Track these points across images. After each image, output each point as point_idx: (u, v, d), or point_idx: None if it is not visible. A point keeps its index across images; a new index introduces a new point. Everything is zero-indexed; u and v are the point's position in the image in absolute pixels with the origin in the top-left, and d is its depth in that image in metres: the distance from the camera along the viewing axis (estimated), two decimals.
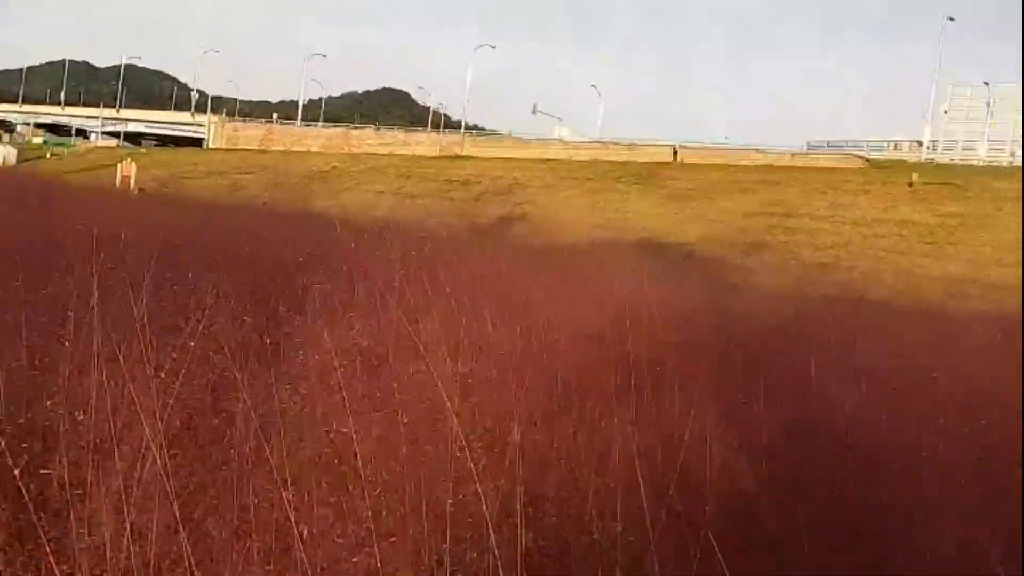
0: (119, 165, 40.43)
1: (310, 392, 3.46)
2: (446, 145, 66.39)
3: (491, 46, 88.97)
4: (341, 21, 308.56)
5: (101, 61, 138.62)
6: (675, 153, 55.56)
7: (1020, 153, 50.89)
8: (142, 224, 7.42)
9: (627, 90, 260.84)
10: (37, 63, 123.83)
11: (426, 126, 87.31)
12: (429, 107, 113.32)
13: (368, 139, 73.00)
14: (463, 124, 78.98)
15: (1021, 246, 23.70)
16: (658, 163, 53.21)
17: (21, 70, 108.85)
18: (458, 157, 62.62)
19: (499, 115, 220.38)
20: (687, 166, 52.45)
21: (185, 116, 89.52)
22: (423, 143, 68.75)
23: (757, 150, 54.57)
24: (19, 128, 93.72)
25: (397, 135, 74.76)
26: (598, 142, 63.94)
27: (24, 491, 2.44)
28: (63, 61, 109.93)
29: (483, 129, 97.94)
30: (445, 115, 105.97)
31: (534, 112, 75.67)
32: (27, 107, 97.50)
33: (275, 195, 46.68)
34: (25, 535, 2.42)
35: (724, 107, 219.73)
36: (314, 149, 70.88)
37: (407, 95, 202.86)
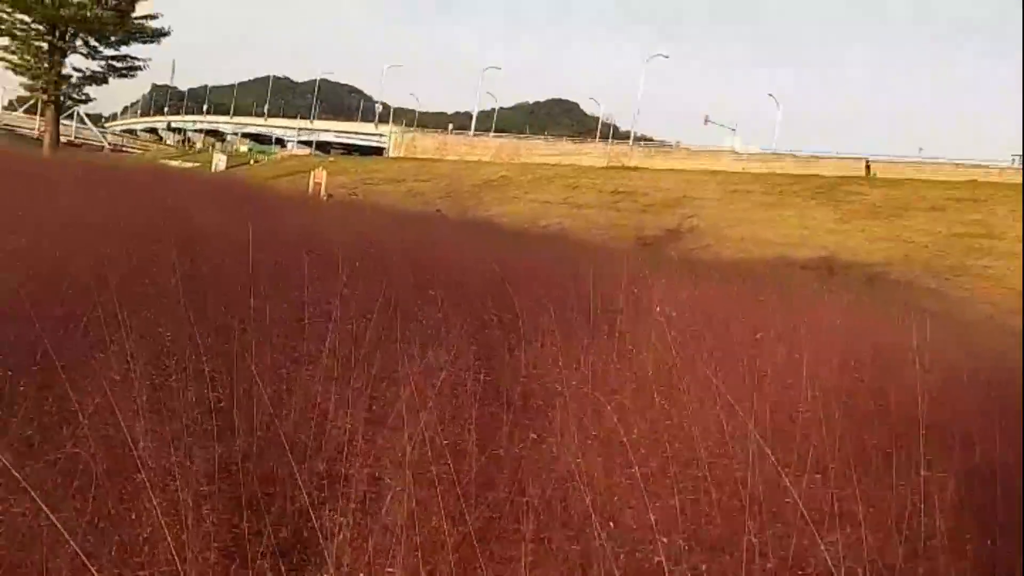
0: (312, 172, 43.85)
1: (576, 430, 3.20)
2: (614, 155, 66.13)
3: (664, 56, 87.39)
4: (516, 34, 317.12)
5: (299, 77, 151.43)
6: (867, 166, 51.61)
7: None
8: (348, 236, 7.84)
9: (808, 99, 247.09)
10: (247, 79, 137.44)
11: (594, 136, 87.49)
12: (598, 117, 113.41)
13: (537, 149, 74.30)
14: (632, 134, 78.32)
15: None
16: (843, 176, 49.87)
17: (233, 85, 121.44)
18: (626, 168, 62.18)
19: (669, 125, 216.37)
20: (876, 180, 48.74)
21: (369, 127, 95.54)
22: (591, 153, 68.94)
23: (956, 164, 49.67)
24: (229, 137, 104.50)
25: (565, 145, 75.49)
26: (774, 153, 61.05)
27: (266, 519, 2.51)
28: (268, 77, 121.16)
29: (652, 139, 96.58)
30: (613, 126, 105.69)
31: (706, 123, 73.58)
32: (237, 118, 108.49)
33: (448, 203, 48.60)
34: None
35: (920, 118, 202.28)
36: (485, 158, 73.14)
37: (576, 105, 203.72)
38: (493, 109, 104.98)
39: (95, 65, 21.18)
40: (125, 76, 22.08)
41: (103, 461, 2.21)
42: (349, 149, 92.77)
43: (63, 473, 2.25)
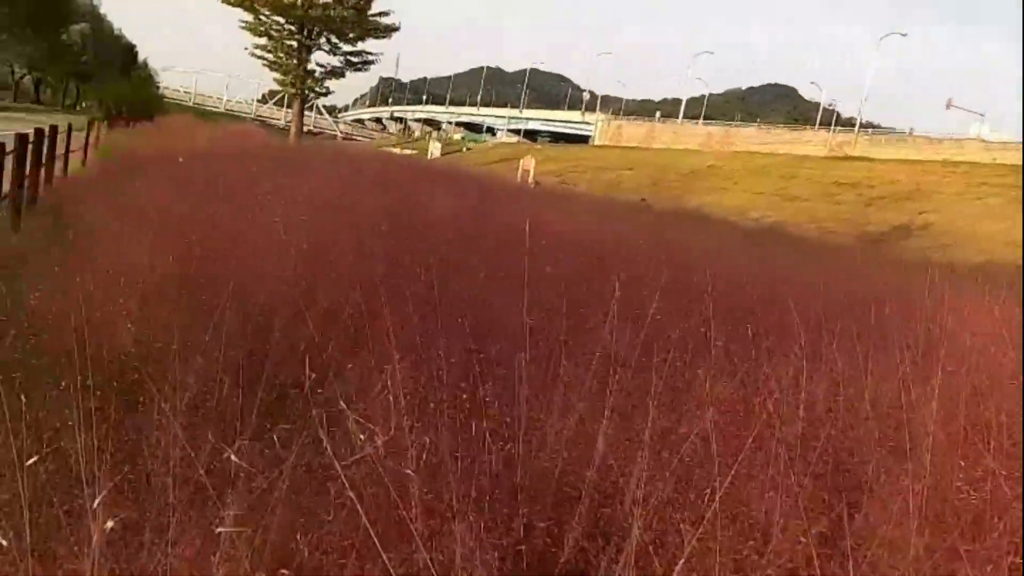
0: (520, 160, 44.86)
1: None
2: (836, 144, 61.24)
3: (901, 34, 79.21)
4: (730, 17, 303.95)
5: (510, 67, 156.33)
6: None
7: None
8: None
9: None
10: (463, 70, 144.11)
11: (813, 124, 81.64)
12: (818, 103, 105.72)
13: (750, 137, 70.72)
14: (858, 122, 71.95)
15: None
16: None
17: (450, 77, 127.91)
18: (849, 158, 57.37)
19: (901, 111, 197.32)
20: None
21: (576, 115, 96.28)
22: (810, 142, 64.38)
23: None
24: (444, 125, 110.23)
25: (781, 133, 71.13)
26: None
27: None
28: (481, 68, 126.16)
29: (880, 127, 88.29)
30: (836, 112, 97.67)
31: (948, 107, 65.65)
32: (451, 108, 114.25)
33: (653, 192, 47.73)
34: None
35: None
36: (693, 147, 70.92)
37: (794, 91, 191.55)
38: (703, 96, 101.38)
39: (335, 60, 23.13)
40: (360, 70, 23.87)
41: (362, 469, 2.16)
42: (556, 137, 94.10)
43: (320, 480, 2.24)
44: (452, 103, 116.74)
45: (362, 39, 21.84)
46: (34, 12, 49.07)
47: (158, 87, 73.21)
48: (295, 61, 22.44)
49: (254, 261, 4.42)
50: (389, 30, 21.94)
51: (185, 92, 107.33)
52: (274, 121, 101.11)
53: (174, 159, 10.53)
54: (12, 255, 6.87)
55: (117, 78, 49.37)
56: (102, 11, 71.09)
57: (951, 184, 46.01)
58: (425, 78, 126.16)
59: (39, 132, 10.96)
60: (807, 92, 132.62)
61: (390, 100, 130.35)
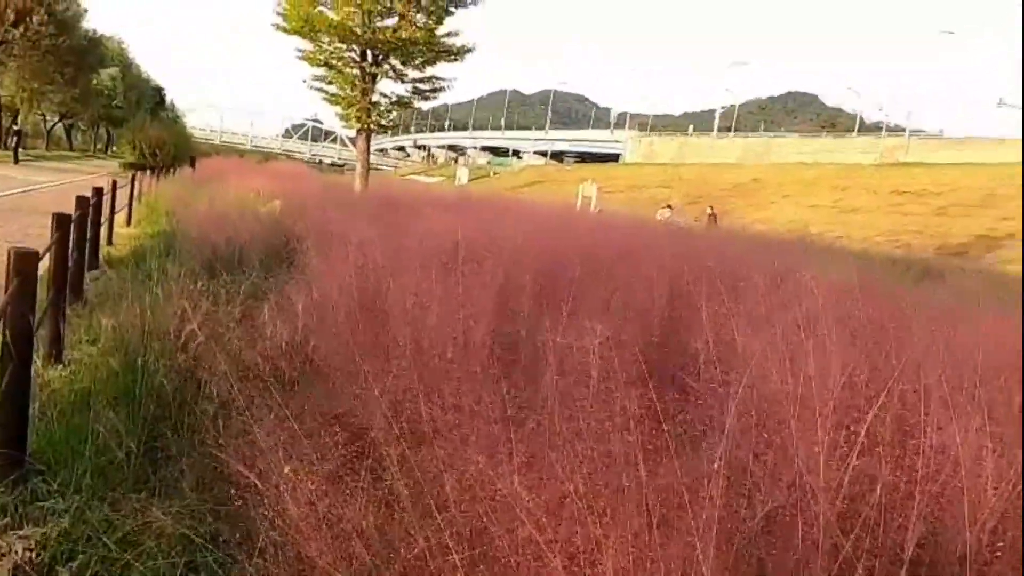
0: (580, 186, 43.07)
1: None
2: (888, 150, 59.23)
3: (949, 32, 76.96)
4: (749, 23, 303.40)
5: (528, 89, 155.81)
6: None
7: None
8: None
9: None
10: (483, 94, 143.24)
11: (838, 129, 79.67)
12: (841, 109, 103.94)
13: (789, 147, 68.92)
14: (908, 128, 69.88)
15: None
16: None
17: (472, 101, 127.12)
18: (904, 164, 55.29)
19: (938, 113, 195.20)
20: None
21: (604, 134, 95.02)
22: (853, 150, 62.43)
23: None
24: (469, 151, 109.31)
25: (824, 141, 69.28)
26: None
27: None
28: (503, 91, 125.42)
29: (920, 131, 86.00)
30: (860, 117, 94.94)
31: (999, 105, 63.60)
32: (475, 133, 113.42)
33: (698, 210, 45.91)
34: None
35: None
36: (730, 160, 69.29)
37: (814, 97, 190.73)
38: (732, 106, 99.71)
39: (400, 89, 21.32)
40: (427, 98, 22.10)
41: None
42: (583, 157, 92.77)
43: None
44: (475, 128, 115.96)
45: (432, 63, 19.99)
46: (67, 60, 48.47)
47: (185, 127, 72.77)
48: (358, 93, 20.81)
49: None
50: (463, 52, 20.05)
51: (211, 131, 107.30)
52: (299, 155, 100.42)
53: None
54: None
55: (147, 121, 48.50)
56: (130, 55, 70.95)
57: None
58: (446, 104, 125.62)
59: (84, 201, 8.41)
60: (829, 99, 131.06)
61: (412, 128, 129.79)
